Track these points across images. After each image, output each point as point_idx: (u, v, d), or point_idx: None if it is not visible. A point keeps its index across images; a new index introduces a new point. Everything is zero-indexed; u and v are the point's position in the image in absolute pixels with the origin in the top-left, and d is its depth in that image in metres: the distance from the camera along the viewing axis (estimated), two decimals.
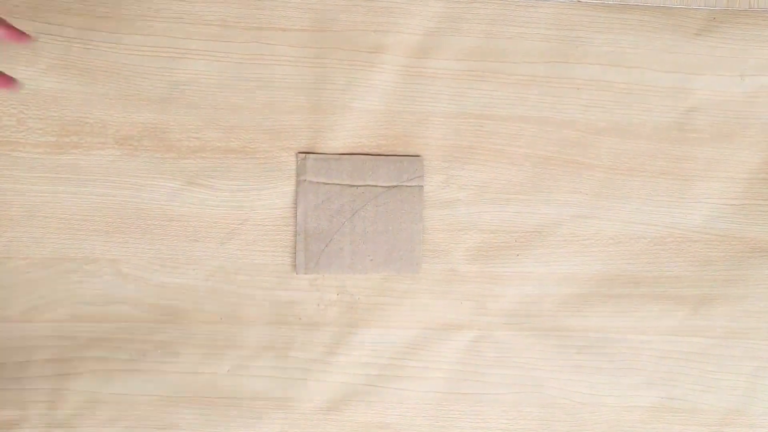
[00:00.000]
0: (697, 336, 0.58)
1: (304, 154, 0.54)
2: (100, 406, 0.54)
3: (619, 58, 0.55)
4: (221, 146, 0.54)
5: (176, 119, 0.53)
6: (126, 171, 0.53)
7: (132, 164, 0.53)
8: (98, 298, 0.54)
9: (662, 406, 0.58)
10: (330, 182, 0.54)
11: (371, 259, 0.55)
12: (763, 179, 0.57)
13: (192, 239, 0.54)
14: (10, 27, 0.46)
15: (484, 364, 0.57)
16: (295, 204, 0.54)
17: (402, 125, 0.54)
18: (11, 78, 0.47)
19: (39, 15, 0.51)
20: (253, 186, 0.54)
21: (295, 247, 0.54)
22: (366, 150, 0.54)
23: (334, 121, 0.54)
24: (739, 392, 0.58)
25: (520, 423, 0.57)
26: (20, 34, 0.46)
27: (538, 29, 0.54)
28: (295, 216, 0.54)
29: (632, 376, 0.58)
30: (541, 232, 0.56)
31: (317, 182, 0.54)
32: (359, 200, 0.54)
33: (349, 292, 0.55)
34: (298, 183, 0.54)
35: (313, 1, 0.53)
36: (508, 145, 0.55)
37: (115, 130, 0.53)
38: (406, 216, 0.55)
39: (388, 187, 0.54)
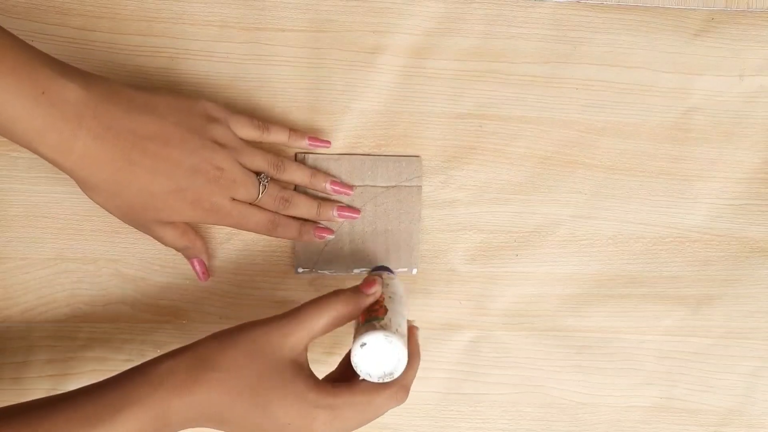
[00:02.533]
0: (696, 336, 0.58)
1: (302, 154, 0.54)
2: None
3: (617, 58, 0.55)
4: None
5: None
6: None
7: None
8: (98, 299, 0.54)
9: (662, 406, 0.58)
10: None
11: (370, 259, 0.55)
12: (762, 179, 0.57)
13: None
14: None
15: (483, 364, 0.57)
16: None
17: (401, 125, 0.54)
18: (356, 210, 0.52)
19: (38, 15, 0.51)
20: None
21: (294, 247, 0.54)
22: (365, 150, 0.54)
23: (333, 122, 0.54)
24: (738, 392, 0.58)
25: (519, 423, 0.57)
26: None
27: (537, 29, 0.54)
28: None
29: (632, 376, 0.58)
30: (540, 232, 0.56)
31: None
32: (358, 200, 0.54)
33: None
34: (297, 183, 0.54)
35: (312, 1, 0.53)
36: (507, 146, 0.55)
37: None
38: (405, 216, 0.55)
39: (387, 187, 0.54)
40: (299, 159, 0.54)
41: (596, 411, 0.58)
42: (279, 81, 0.53)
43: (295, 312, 0.44)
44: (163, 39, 0.52)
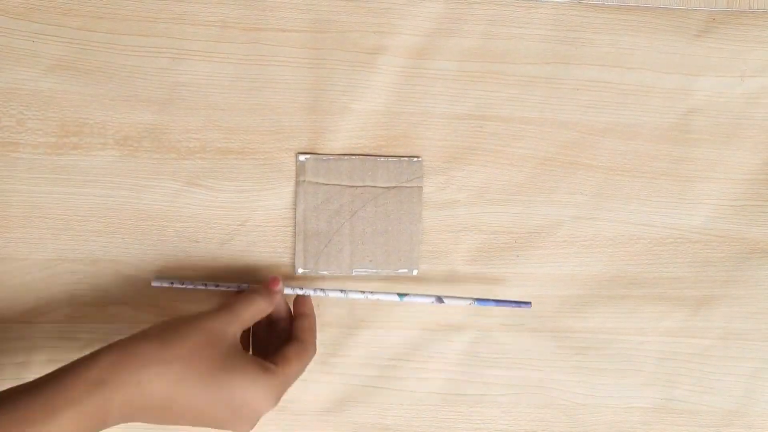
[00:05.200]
0: (696, 337, 0.58)
1: (303, 155, 0.54)
2: None
3: (618, 59, 0.55)
4: (221, 147, 0.54)
5: (176, 120, 0.53)
6: (126, 172, 0.53)
7: (132, 165, 0.53)
8: (98, 299, 0.54)
9: (662, 407, 0.58)
10: (329, 183, 0.54)
11: (371, 260, 0.55)
12: (763, 180, 0.57)
13: (192, 240, 0.54)
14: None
15: (483, 365, 0.57)
16: (295, 205, 0.54)
17: (402, 126, 0.54)
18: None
19: (38, 15, 0.51)
20: (252, 187, 0.54)
21: (294, 248, 0.54)
22: (365, 151, 0.54)
23: (334, 122, 0.54)
24: (738, 393, 0.58)
25: (519, 424, 0.57)
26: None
27: (538, 30, 0.54)
28: (294, 217, 0.54)
29: (632, 377, 0.58)
30: (541, 233, 0.56)
31: (316, 183, 0.54)
32: (358, 201, 0.54)
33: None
34: (297, 183, 0.54)
35: (313, 2, 0.53)
36: (508, 146, 0.55)
37: (115, 131, 0.53)
38: (406, 217, 0.55)
39: (388, 187, 0.54)
40: (300, 160, 0.54)
41: (596, 412, 0.58)
42: (279, 81, 0.53)
43: (228, 305, 0.47)
44: (164, 39, 0.52)
